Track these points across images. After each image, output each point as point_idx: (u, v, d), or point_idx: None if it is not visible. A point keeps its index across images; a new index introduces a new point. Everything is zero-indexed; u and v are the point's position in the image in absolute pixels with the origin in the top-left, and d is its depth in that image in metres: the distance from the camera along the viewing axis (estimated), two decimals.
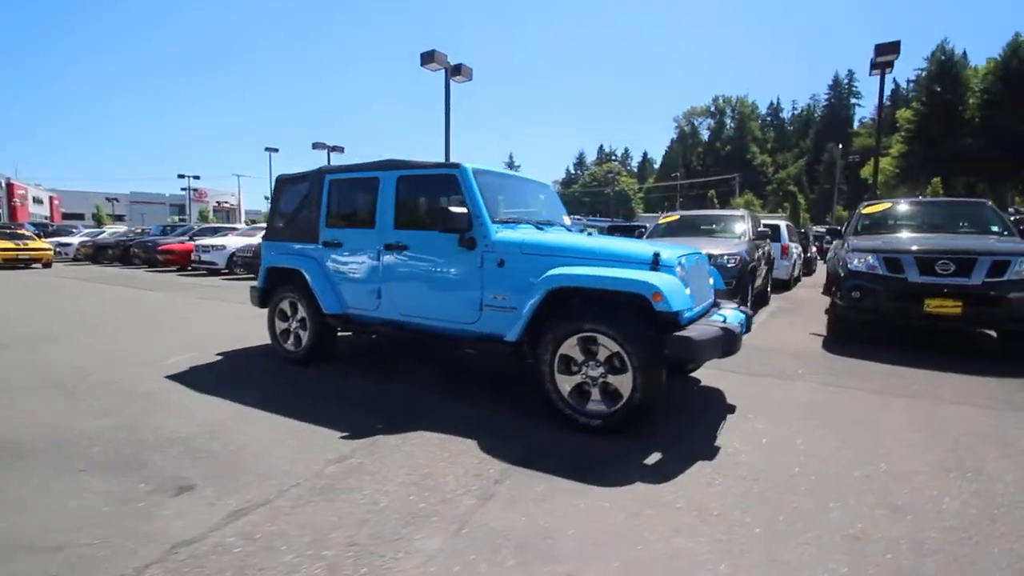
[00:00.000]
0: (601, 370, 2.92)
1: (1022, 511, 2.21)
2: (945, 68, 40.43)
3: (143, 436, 2.91)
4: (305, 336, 4.37)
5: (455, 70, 13.56)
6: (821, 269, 16.82)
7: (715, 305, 3.66)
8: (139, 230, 20.57)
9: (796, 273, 12.28)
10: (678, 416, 3.30)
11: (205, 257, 13.82)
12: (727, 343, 2.91)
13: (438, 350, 5.01)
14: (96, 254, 17.88)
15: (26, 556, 1.84)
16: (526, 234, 3.47)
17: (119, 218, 46.45)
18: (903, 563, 1.85)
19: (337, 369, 4.40)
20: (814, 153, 69.27)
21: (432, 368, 4.56)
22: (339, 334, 4.59)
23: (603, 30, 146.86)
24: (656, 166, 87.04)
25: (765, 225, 8.90)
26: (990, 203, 6.17)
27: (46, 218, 40.51)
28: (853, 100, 77.49)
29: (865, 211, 6.60)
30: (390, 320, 3.91)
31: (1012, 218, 6.73)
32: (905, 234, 5.83)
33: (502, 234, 3.42)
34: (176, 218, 45.92)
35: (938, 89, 40.29)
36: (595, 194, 71.24)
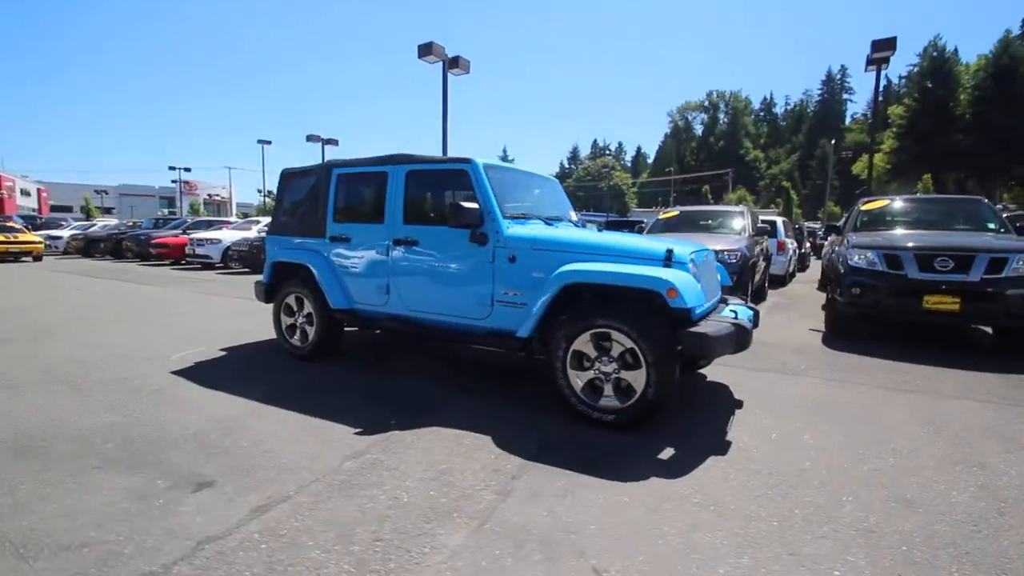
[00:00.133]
0: (614, 366, 2.95)
1: None
2: (937, 65, 40.74)
3: (156, 432, 2.90)
4: (312, 331, 4.36)
5: (452, 62, 13.48)
6: (814, 265, 16.99)
7: (722, 301, 3.69)
8: (131, 223, 20.34)
9: (791, 269, 12.39)
10: (686, 411, 3.34)
11: (199, 251, 13.71)
12: (739, 339, 2.95)
13: (441, 345, 5.03)
14: (87, 247, 17.68)
15: (53, 553, 1.84)
16: (538, 230, 3.47)
17: (108, 211, 45.82)
18: (918, 556, 1.90)
19: (342, 364, 4.40)
20: (807, 149, 69.66)
21: (436, 363, 4.58)
22: (344, 329, 4.59)
23: (598, 23, 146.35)
24: (650, 161, 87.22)
25: (762, 221, 8.97)
26: (987, 200, 6.26)
27: (34, 210, 39.86)
28: (845, 96, 78.01)
29: (864, 208, 6.67)
30: (398, 315, 3.91)
31: (1005, 215, 6.81)
32: (904, 231, 5.90)
33: (513, 229, 3.42)
34: (166, 211, 45.40)
35: (930, 85, 40.59)
36: (589, 188, 71.20)
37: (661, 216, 8.26)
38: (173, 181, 39.75)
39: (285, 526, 2.01)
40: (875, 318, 5.34)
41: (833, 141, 47.67)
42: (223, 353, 4.76)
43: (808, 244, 17.90)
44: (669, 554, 1.88)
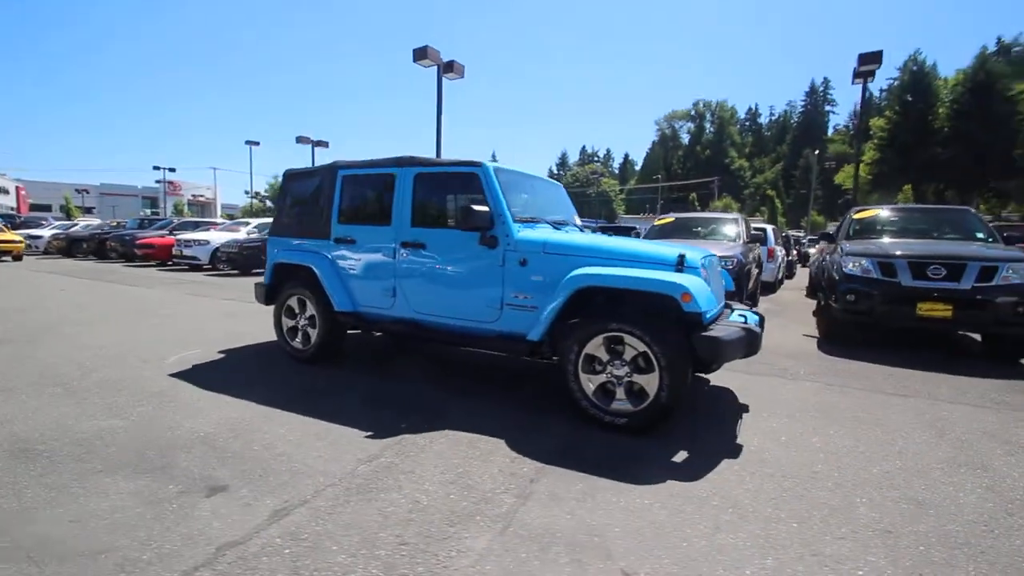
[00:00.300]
0: (626, 369, 2.96)
1: None
2: (917, 79, 41.76)
3: (161, 436, 2.84)
4: (314, 334, 4.31)
5: (447, 67, 13.49)
6: (800, 272, 17.27)
7: (727, 307, 3.74)
8: (115, 223, 19.94)
9: (780, 276, 12.59)
10: (692, 415, 3.37)
11: (187, 252, 13.48)
12: (750, 343, 2.98)
13: (440, 347, 5.02)
14: (69, 247, 17.28)
15: (68, 560, 1.79)
16: (548, 233, 3.49)
17: (88, 210, 44.87)
18: (936, 556, 1.93)
19: (344, 367, 4.35)
20: (790, 159, 70.91)
21: (437, 365, 4.57)
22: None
23: (590, 28, 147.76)
24: (637, 168, 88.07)
25: (754, 229, 9.11)
26: (973, 210, 6.43)
27: (12, 209, 38.88)
28: (828, 108, 79.65)
29: (856, 216, 6.81)
30: (405, 318, 3.88)
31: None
32: (896, 239, 6.03)
33: (524, 233, 3.43)
34: (149, 211, 44.61)
35: (910, 99, 41.57)
36: (577, 195, 71.59)
37: (657, 222, 8.34)
38: (157, 181, 39.03)
39: (306, 530, 1.98)
40: (869, 324, 5.43)
41: (817, 152, 48.62)
42: (221, 355, 4.69)
43: (795, 252, 18.18)
44: (695, 556, 1.89)
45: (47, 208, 42.64)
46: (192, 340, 5.21)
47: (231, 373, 4.15)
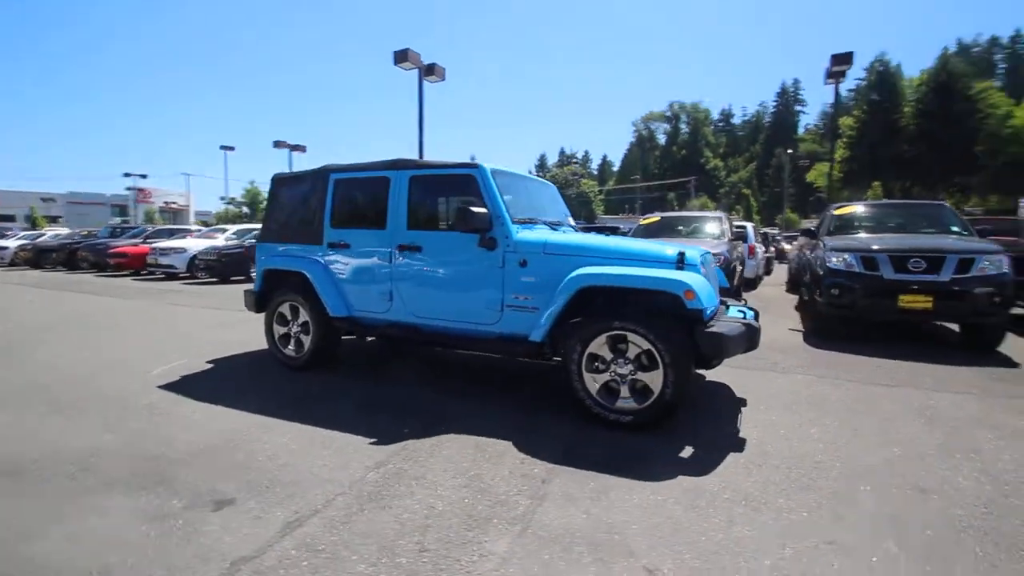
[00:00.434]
0: (630, 367, 2.98)
1: None
2: (883, 78, 43.21)
3: (157, 450, 2.76)
4: (307, 340, 4.23)
5: (428, 70, 13.44)
6: (778, 268, 17.63)
7: (722, 303, 3.79)
8: (85, 232, 19.30)
9: (760, 272, 12.85)
10: (692, 411, 3.40)
11: (163, 260, 13.13)
12: (750, 339, 3.03)
13: (433, 350, 4.99)
14: (37, 258, 16.68)
15: None
16: (547, 234, 3.49)
17: (55, 219, 43.35)
18: (942, 538, 1.99)
19: (337, 373, 4.29)
20: (763, 158, 72.46)
21: (431, 368, 4.56)
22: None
23: (566, 33, 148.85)
24: (615, 169, 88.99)
25: (735, 226, 9.29)
26: (948, 205, 6.66)
27: None
28: (798, 108, 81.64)
29: (837, 212, 6.98)
30: (402, 322, 3.85)
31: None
32: (876, 234, 6.20)
33: (523, 234, 3.43)
34: (119, 219, 43.31)
35: (876, 98, 42.96)
36: None
37: (642, 221, 8.44)
38: (128, 188, 37.91)
39: (322, 541, 1.94)
40: (854, 317, 5.57)
41: (790, 151, 49.80)
42: (210, 366, 4.57)
43: (772, 249, 18.56)
44: (714, 550, 1.91)
45: (11, 219, 41.08)
46: (177, 351, 5.07)
47: (222, 383, 4.05)
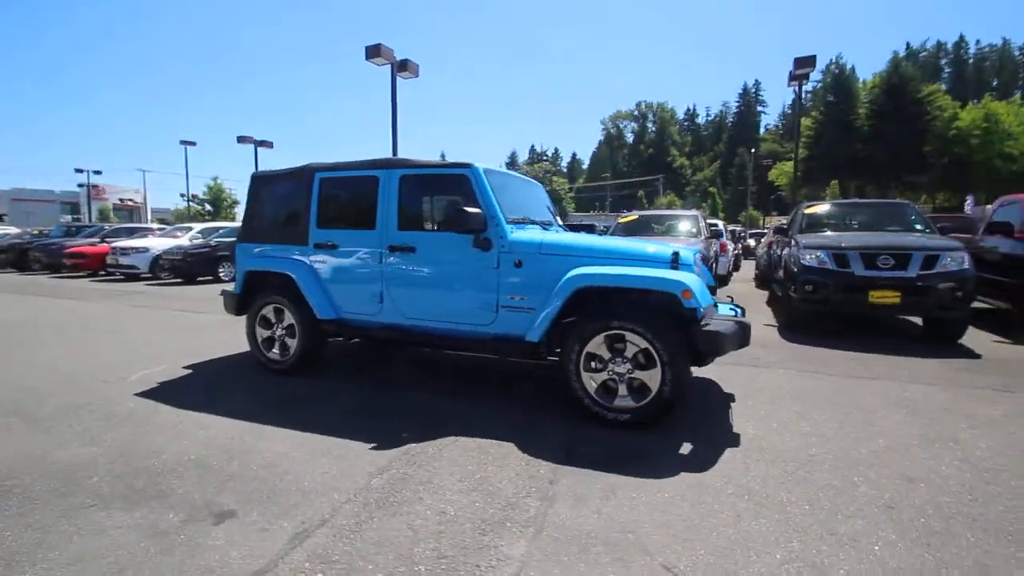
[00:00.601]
0: (628, 366, 3.02)
1: (1006, 473, 2.56)
2: (839, 81, 44.99)
3: (146, 462, 2.64)
4: (293, 344, 4.12)
5: (401, 66, 13.24)
6: (745, 265, 18.16)
7: None
8: (37, 231, 18.27)
9: (730, 268, 13.21)
10: (685, 407, 3.47)
11: (124, 260, 12.57)
12: (743, 336, 3.12)
13: (423, 350, 4.95)
14: None
15: None
16: (542, 235, 3.50)
17: None
18: (936, 526, 2.09)
19: (323, 376, 4.20)
20: (727, 157, 74.48)
21: (419, 369, 4.53)
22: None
23: (535, 30, 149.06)
24: (585, 167, 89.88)
25: (709, 224, 9.51)
26: (911, 204, 6.99)
27: None
28: (759, 108, 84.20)
29: (807, 211, 7.24)
30: (393, 324, 3.78)
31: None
32: (844, 232, 6.46)
33: (517, 234, 3.42)
34: (70, 217, 41.16)
35: (832, 99, 44.72)
36: None
37: (621, 220, 8.55)
38: (80, 185, 35.94)
39: (335, 552, 1.90)
40: (827, 312, 5.79)
41: (753, 150, 51.27)
42: (188, 371, 4.40)
43: (739, 245, 19.11)
44: (726, 545, 1.96)
45: None
46: (151, 356, 4.86)
47: (205, 389, 3.91)
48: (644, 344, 2.93)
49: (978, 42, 74.35)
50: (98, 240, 14.47)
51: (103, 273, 13.43)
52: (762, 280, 11.37)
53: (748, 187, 49.83)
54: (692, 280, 2.93)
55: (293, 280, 4.00)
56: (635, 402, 3.00)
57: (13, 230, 18.95)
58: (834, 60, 49.05)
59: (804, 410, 3.46)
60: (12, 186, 45.36)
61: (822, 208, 7.33)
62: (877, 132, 38.92)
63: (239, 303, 4.40)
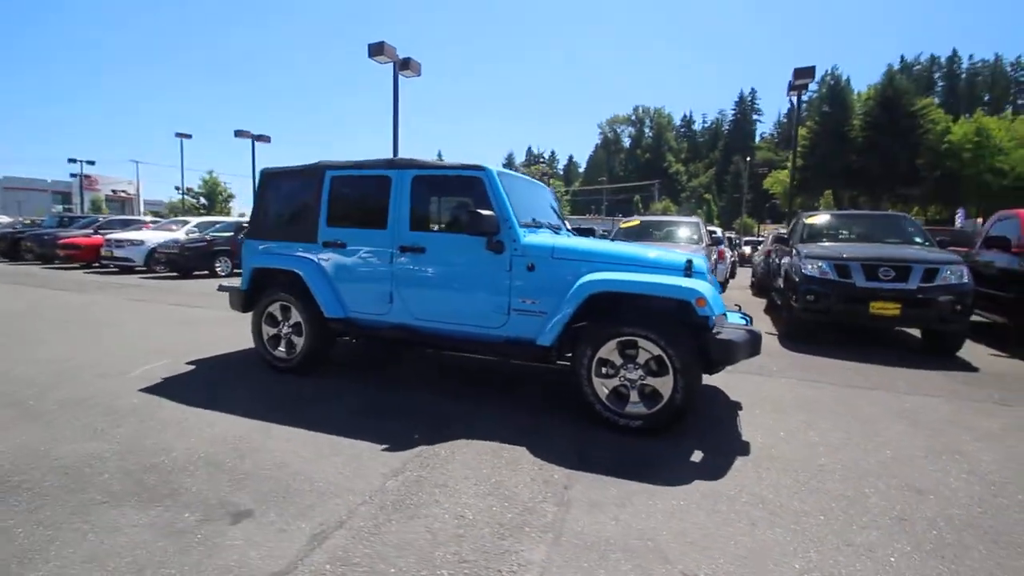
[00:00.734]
0: (640, 373, 3.03)
1: (1011, 486, 2.59)
2: (834, 92, 45.47)
3: (155, 459, 2.61)
4: (300, 342, 4.09)
5: (404, 64, 13.21)
6: (740, 272, 18.29)
7: None
8: (29, 221, 18.02)
9: (727, 276, 13.30)
10: (693, 414, 3.47)
11: (119, 253, 12.44)
12: (754, 345, 3.14)
13: (423, 352, 4.95)
14: None
15: None
16: (555, 239, 3.50)
17: None
18: (948, 538, 2.12)
19: (329, 375, 4.18)
20: (722, 164, 75.01)
21: (424, 369, 4.52)
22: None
23: (534, 31, 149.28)
24: (581, 170, 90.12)
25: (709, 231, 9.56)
26: (910, 217, 7.07)
27: None
28: (755, 117, 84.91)
29: (808, 221, 7.30)
30: (403, 324, 3.77)
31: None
32: (845, 243, 6.52)
33: (530, 238, 3.43)
34: (61, 207, 40.64)
35: (827, 110, 45.19)
36: None
37: (622, 225, 8.58)
38: (73, 175, 35.49)
39: (356, 554, 1.89)
40: (827, 322, 5.84)
41: (749, 158, 51.67)
42: (191, 367, 4.36)
43: (736, 253, 19.24)
44: (744, 554, 1.97)
45: None
46: (151, 351, 4.81)
47: (208, 386, 3.87)
48: (657, 351, 2.95)
49: (971, 57, 75.50)
50: (92, 232, 14.30)
51: (97, 265, 13.29)
52: (760, 288, 11.47)
53: (743, 195, 50.21)
54: (706, 288, 2.95)
55: (301, 278, 3.98)
56: (647, 408, 3.02)
57: (5, 219, 18.67)
58: (830, 71, 49.58)
59: (810, 419, 3.48)
60: (3, 174, 44.69)
61: (823, 218, 7.40)
62: (871, 143, 39.38)
63: (245, 300, 4.37)
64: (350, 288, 3.93)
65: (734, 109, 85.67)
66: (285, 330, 4.17)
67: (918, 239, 6.43)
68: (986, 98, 68.70)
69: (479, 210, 3.32)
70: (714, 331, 3.00)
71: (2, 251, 14.76)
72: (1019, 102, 67.12)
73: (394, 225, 3.75)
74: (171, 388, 3.76)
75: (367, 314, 3.89)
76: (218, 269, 12.34)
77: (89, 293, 8.95)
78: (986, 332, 6.62)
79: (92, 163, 34.71)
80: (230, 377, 4.14)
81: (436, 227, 3.75)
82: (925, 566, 1.92)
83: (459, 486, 2.42)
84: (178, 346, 5.04)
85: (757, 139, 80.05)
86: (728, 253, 12.75)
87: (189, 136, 29.22)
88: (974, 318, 5.76)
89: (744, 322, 3.48)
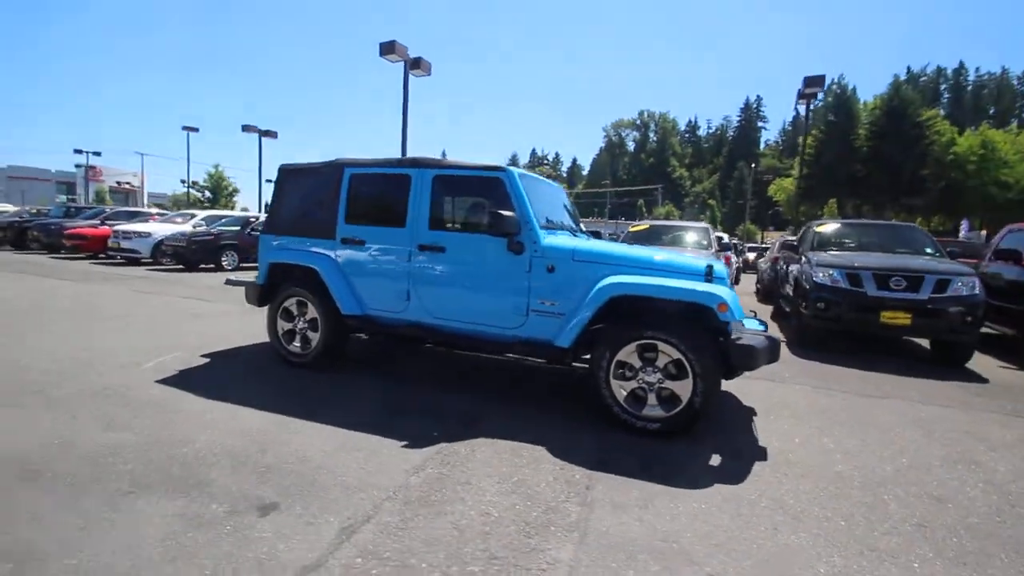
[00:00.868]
0: (658, 376, 3.04)
1: None
2: (840, 100, 45.48)
3: (179, 450, 2.63)
4: (315, 337, 4.11)
5: (414, 63, 13.25)
6: (744, 278, 18.29)
7: None
8: (35, 211, 18.06)
9: (732, 282, 13.33)
10: (709, 418, 3.48)
11: (125, 244, 12.47)
12: (773, 351, 3.15)
13: (432, 349, 4.97)
14: None
15: None
16: (576, 241, 3.52)
17: None
18: (969, 545, 2.13)
19: (343, 371, 4.20)
20: (726, 170, 75.05)
21: (434, 365, 4.54)
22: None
23: (537, 30, 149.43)
24: (585, 172, 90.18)
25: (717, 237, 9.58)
26: (921, 227, 7.09)
27: None
28: (760, 124, 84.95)
29: (818, 229, 7.32)
30: (420, 323, 3.79)
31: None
32: (856, 252, 6.53)
33: (550, 240, 3.44)
34: (65, 197, 40.70)
35: (833, 119, 45.20)
36: None
37: (632, 229, 8.60)
38: (78, 165, 35.52)
39: (386, 548, 1.90)
40: (838, 330, 5.85)
41: (753, 165, 51.69)
42: (205, 360, 4.38)
43: (740, 260, 19.28)
44: (767, 557, 1.98)
45: None
46: (162, 343, 4.83)
47: (223, 379, 3.89)
48: (677, 355, 2.96)
49: (978, 69, 75.66)
50: (99, 222, 14.33)
51: (102, 256, 13.31)
52: (765, 294, 11.47)
53: (747, 201, 50.23)
54: (727, 293, 2.97)
55: (318, 274, 4.00)
56: (665, 411, 3.03)
57: (11, 208, 18.70)
58: (836, 80, 49.65)
59: (824, 426, 3.50)
60: (7, 163, 44.76)
61: (833, 227, 7.41)
62: (876, 153, 39.38)
63: (262, 294, 4.38)
64: (367, 285, 3.95)
65: (739, 116, 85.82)
66: (301, 325, 4.19)
67: (929, 250, 6.44)
68: (991, 111, 68.80)
69: (500, 211, 3.34)
70: (734, 336, 3.01)
71: (8, 240, 14.80)
72: None
73: (413, 224, 3.77)
74: (187, 381, 3.77)
75: (384, 311, 3.91)
76: (224, 263, 12.36)
77: (96, 283, 8.97)
78: (995, 344, 6.63)
79: (98, 154, 34.81)
80: (245, 371, 4.15)
81: (455, 227, 3.76)
82: (949, 573, 1.93)
83: (482, 484, 2.43)
84: (189, 339, 5.06)
85: (762, 146, 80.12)
86: (733, 259, 12.78)
87: (196, 130, 29.29)
88: (983, 330, 5.77)
89: (761, 328, 3.49)
